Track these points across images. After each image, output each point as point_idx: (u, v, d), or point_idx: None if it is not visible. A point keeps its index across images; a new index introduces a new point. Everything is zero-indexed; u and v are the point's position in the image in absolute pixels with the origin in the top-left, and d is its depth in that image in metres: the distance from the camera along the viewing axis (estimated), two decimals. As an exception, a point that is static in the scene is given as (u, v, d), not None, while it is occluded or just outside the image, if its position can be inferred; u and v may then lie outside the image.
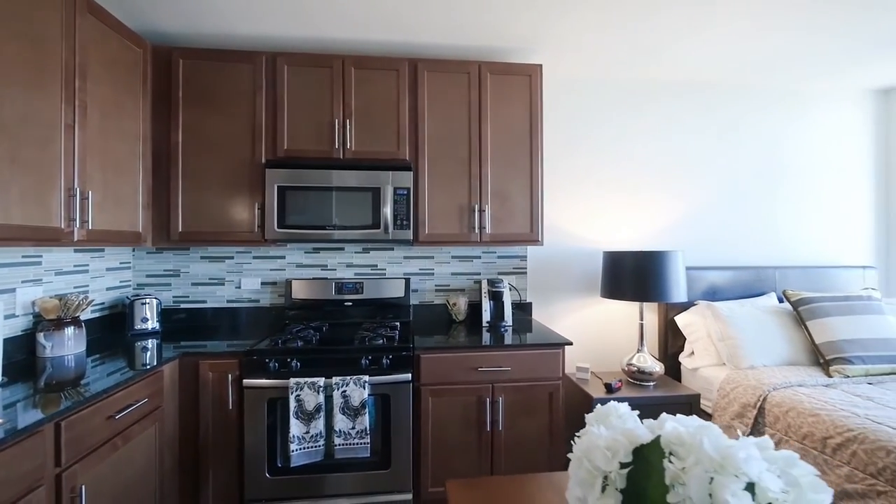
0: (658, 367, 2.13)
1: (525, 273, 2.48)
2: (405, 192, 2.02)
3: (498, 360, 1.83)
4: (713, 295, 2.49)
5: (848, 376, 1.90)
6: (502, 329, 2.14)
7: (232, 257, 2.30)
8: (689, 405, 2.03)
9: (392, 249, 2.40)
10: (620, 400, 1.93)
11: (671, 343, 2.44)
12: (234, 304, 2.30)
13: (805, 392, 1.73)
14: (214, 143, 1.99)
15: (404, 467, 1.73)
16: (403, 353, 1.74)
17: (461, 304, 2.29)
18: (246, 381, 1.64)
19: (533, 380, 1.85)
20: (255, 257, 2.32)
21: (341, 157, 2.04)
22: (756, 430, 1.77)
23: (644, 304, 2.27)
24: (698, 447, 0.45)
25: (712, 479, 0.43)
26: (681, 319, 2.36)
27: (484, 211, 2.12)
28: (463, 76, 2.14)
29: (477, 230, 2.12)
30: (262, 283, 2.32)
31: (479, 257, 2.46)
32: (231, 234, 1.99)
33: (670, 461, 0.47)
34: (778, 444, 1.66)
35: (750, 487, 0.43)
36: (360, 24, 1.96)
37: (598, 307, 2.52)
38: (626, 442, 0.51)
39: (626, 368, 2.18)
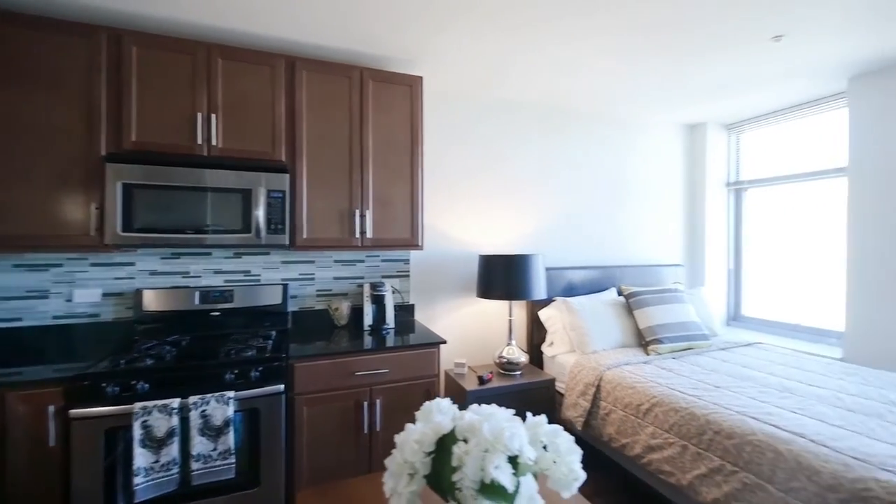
0: (524, 358, 2.40)
1: (408, 276, 2.57)
2: (280, 195, 1.94)
3: (376, 363, 1.88)
4: (570, 291, 2.89)
5: (660, 353, 2.38)
6: (384, 331, 2.19)
7: (60, 265, 1.94)
8: (547, 388, 2.33)
9: (268, 254, 2.28)
10: (491, 389, 2.13)
11: (536, 335, 2.77)
12: (65, 321, 1.94)
13: (629, 369, 2.13)
14: (35, 131, 1.66)
15: (276, 483, 1.66)
16: (275, 363, 1.68)
17: (343, 309, 2.28)
18: (74, 412, 1.41)
19: (410, 379, 1.94)
20: (93, 265, 1.99)
21: (205, 153, 1.87)
22: (595, 403, 2.12)
23: (513, 301, 2.54)
24: (479, 431, 0.56)
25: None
26: (543, 314, 2.69)
27: (365, 216, 2.15)
28: (344, 80, 2.13)
29: (359, 235, 2.14)
30: (105, 295, 2.00)
31: (363, 261, 2.48)
32: (58, 237, 1.68)
33: (459, 446, 0.57)
34: (609, 414, 2.02)
35: (515, 459, 0.55)
36: (230, 13, 1.82)
37: (475, 306, 2.73)
38: (432, 434, 0.60)
39: (498, 360, 2.42)
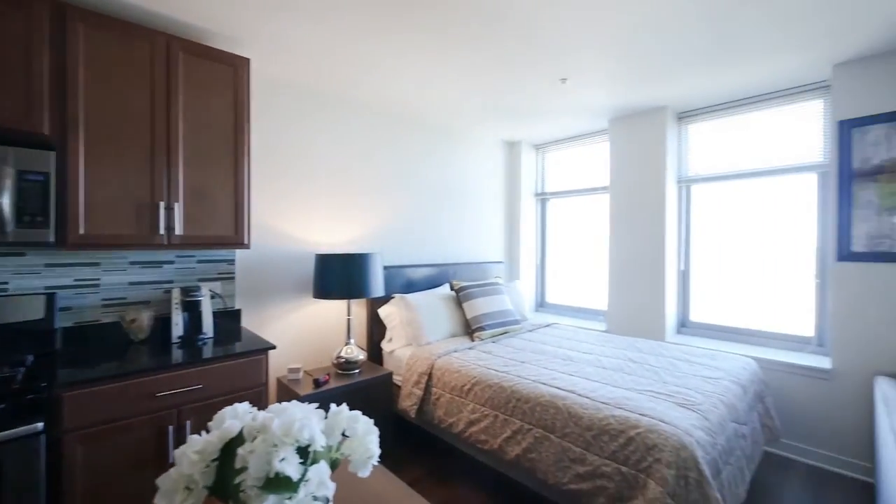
0: (362, 356, 2.43)
1: (233, 278, 2.31)
2: (41, 178, 1.51)
3: (186, 380, 1.63)
4: (409, 288, 3.05)
5: (483, 339, 2.73)
6: (200, 342, 1.92)
7: None
8: (385, 383, 2.41)
9: (23, 255, 1.74)
10: (328, 391, 2.08)
11: (376, 332, 2.83)
12: None
13: (456, 356, 2.38)
14: None
15: (33, 549, 1.29)
16: (29, 396, 1.30)
17: (143, 320, 1.91)
18: None
19: (232, 392, 1.75)
20: None
21: None
22: (427, 390, 2.30)
23: (352, 300, 2.54)
24: (269, 428, 0.56)
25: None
26: (382, 311, 2.77)
27: (173, 209, 1.84)
28: (144, 45, 1.78)
29: (164, 231, 1.82)
30: None
31: (173, 262, 2.12)
32: None
33: (244, 447, 0.56)
34: (439, 398, 2.22)
35: (304, 450, 0.57)
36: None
37: (312, 308, 2.63)
38: (217, 441, 0.57)
39: (336, 361, 2.39)
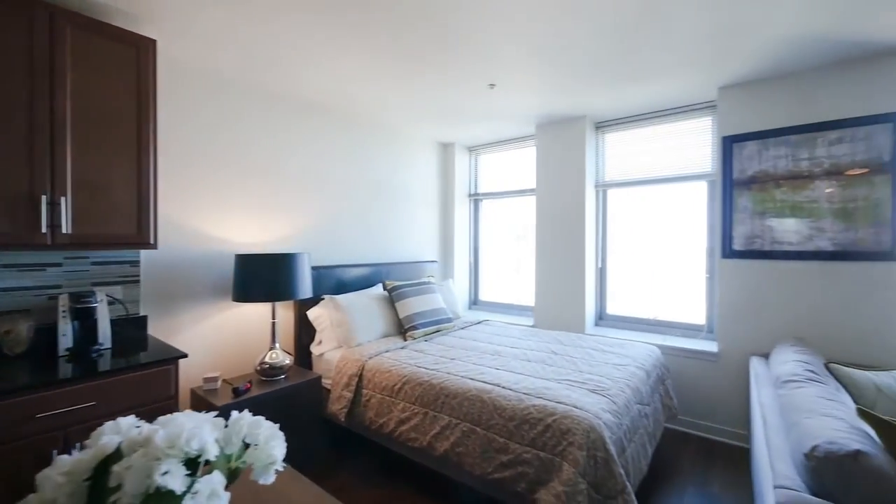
0: (288, 360, 2.33)
1: (138, 281, 2.09)
2: None
3: (74, 397, 1.45)
4: (342, 288, 2.97)
5: (415, 338, 2.74)
6: (94, 354, 1.71)
7: None
8: (313, 387, 2.33)
9: None
10: (249, 399, 1.96)
11: (305, 335, 2.72)
12: None
13: (388, 356, 2.37)
14: None
15: None
16: None
17: (20, 331, 1.66)
18: None
19: (134, 407, 1.58)
20: None
21: None
22: (358, 392, 2.26)
23: (277, 303, 2.42)
24: (151, 441, 0.53)
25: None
26: (311, 313, 2.68)
27: (60, 204, 1.62)
28: (21, 20, 1.55)
29: (47, 229, 1.60)
30: None
31: (61, 265, 1.87)
32: None
33: (121, 463, 0.52)
34: (370, 399, 2.19)
35: (194, 461, 0.54)
36: None
37: (233, 311, 2.47)
38: (90, 459, 0.52)
39: (259, 368, 2.26)
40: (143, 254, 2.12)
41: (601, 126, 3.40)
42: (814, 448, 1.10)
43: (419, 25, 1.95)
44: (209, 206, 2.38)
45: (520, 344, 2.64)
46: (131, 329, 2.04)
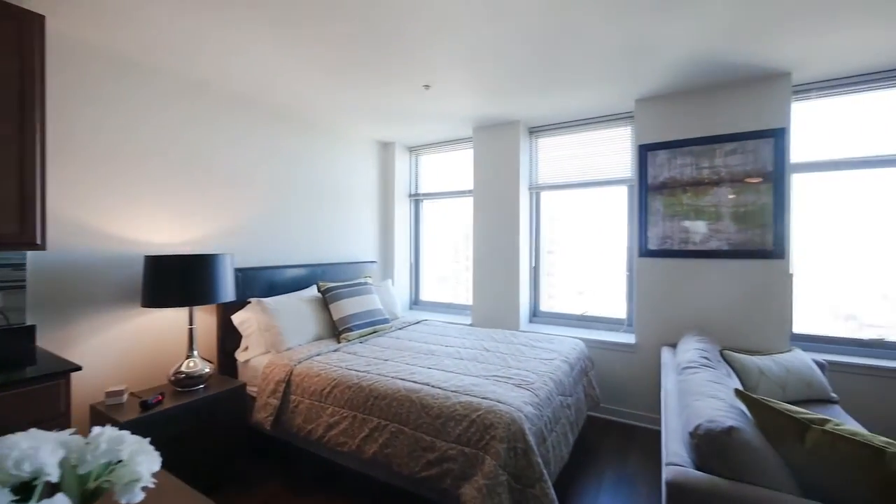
0: (208, 368, 2.18)
1: (23, 287, 1.85)
2: None
3: (-70, 421, 1.25)
4: (273, 291, 2.83)
5: (350, 340, 2.69)
6: (-37, 371, 1.49)
7: None
8: (237, 396, 2.20)
9: None
10: (161, 413, 1.81)
11: (230, 342, 2.57)
12: None
13: (319, 359, 2.30)
14: None
15: None
16: None
17: None
18: None
19: (13, 429, 1.40)
20: None
21: None
22: (285, 399, 2.17)
23: (196, 307, 2.25)
24: None
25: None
26: (237, 318, 2.53)
27: (-87, 198, 1.39)
28: None
29: None
30: None
31: (-82, 269, 1.60)
32: None
33: None
34: (298, 405, 2.11)
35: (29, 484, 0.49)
36: None
37: (144, 318, 2.27)
38: None
39: (174, 378, 2.09)
40: (31, 256, 1.88)
41: (535, 131, 3.54)
42: (697, 427, 1.23)
43: (347, 19, 1.91)
44: (115, 204, 2.16)
45: (454, 342, 2.68)
46: (14, 341, 1.80)
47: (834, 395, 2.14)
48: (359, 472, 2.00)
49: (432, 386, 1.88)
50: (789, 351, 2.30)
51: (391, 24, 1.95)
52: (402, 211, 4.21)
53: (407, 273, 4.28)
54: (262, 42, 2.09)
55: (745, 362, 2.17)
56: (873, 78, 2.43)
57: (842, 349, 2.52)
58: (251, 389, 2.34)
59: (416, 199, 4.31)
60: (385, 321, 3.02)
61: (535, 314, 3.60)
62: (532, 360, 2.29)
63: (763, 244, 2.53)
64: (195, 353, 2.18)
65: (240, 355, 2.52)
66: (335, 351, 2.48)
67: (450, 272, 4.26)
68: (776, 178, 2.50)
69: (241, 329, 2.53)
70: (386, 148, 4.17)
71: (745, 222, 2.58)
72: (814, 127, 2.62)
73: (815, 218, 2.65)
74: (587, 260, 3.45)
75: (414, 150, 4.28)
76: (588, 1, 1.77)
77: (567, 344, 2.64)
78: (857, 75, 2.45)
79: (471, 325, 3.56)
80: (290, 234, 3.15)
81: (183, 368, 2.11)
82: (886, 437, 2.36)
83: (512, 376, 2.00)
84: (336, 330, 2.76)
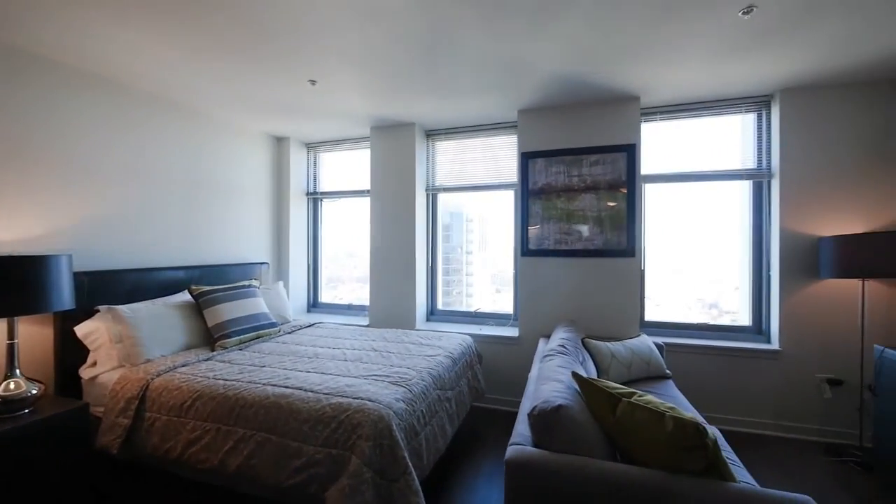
0: (35, 390, 1.86)
1: None
2: None
3: None
4: (133, 297, 2.51)
5: (226, 348, 2.50)
6: None
7: None
8: (76, 418, 1.91)
9: None
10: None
11: (71, 357, 2.22)
12: None
13: (183, 371, 2.09)
14: None
15: None
16: None
17: None
18: None
19: None
20: None
21: None
22: (139, 417, 1.94)
23: (19, 318, 1.91)
24: None
25: None
26: (81, 329, 2.20)
27: None
28: None
29: None
30: None
31: None
32: None
33: None
34: (154, 423, 1.90)
35: None
36: None
37: (-55, 333, 1.86)
38: None
39: (-16, 404, 1.75)
40: None
41: (431, 134, 3.63)
42: (534, 408, 1.36)
43: (225, 7, 1.78)
44: None
45: (344, 344, 2.64)
46: None
47: (668, 371, 2.54)
48: (224, 489, 1.86)
49: (305, 390, 1.83)
50: (637, 336, 2.67)
51: (272, 15, 1.85)
52: (298, 209, 4.03)
53: (305, 275, 4.10)
54: (130, 27, 1.85)
55: (601, 348, 2.46)
56: (705, 106, 2.92)
57: (684, 333, 2.99)
58: (97, 410, 2.05)
59: (315, 197, 4.16)
60: (272, 325, 2.86)
61: (433, 312, 3.69)
62: (416, 357, 2.35)
63: (620, 245, 2.90)
64: (17, 372, 1.85)
65: (85, 372, 2.19)
66: (206, 360, 2.28)
67: (351, 273, 4.18)
68: (629, 187, 2.88)
69: (86, 342, 2.20)
70: (280, 143, 3.95)
71: (606, 225, 2.93)
72: (661, 144, 3.07)
73: (675, 222, 3.11)
74: (483, 259, 3.63)
75: (312, 146, 4.12)
76: (462, 15, 1.87)
77: (455, 340, 2.75)
78: (691, 103, 2.93)
79: (367, 325, 3.53)
80: (161, 233, 2.82)
81: (0, 392, 1.77)
82: (705, 400, 2.80)
83: (391, 374, 2.03)
84: (211, 337, 2.54)
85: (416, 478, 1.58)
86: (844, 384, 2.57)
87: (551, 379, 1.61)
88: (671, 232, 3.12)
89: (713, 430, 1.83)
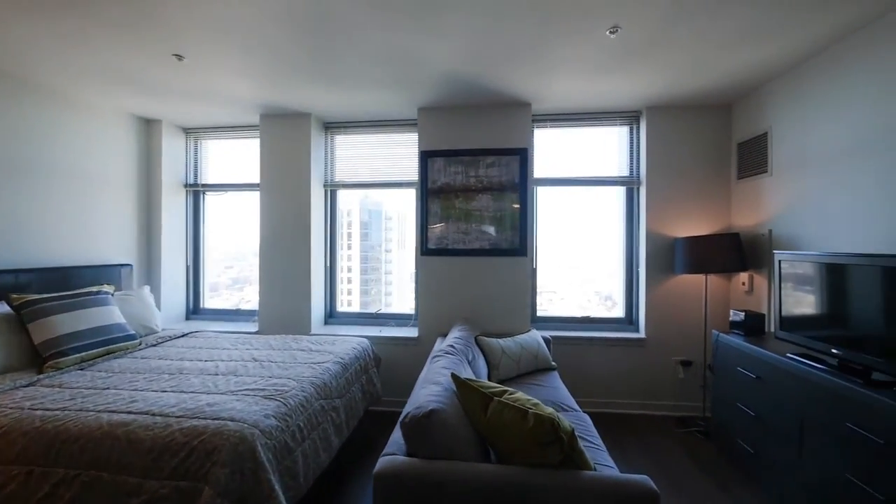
0: None
1: None
2: None
3: None
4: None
5: (61, 368, 2.06)
6: None
7: None
8: None
9: None
10: None
11: None
12: None
13: (-12, 402, 1.67)
14: None
15: None
16: None
17: None
18: None
19: None
20: None
21: None
22: (-88, 469, 1.49)
23: None
24: None
25: None
26: None
27: None
28: None
29: None
30: None
31: None
32: None
33: None
34: (-64, 474, 1.48)
35: None
36: None
37: None
38: None
39: None
40: None
41: (330, 126, 3.43)
42: (405, 415, 1.32)
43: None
44: None
45: (220, 356, 2.35)
46: None
47: (553, 363, 2.70)
48: (45, 543, 1.52)
49: (153, 414, 1.56)
50: (528, 332, 2.80)
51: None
52: (174, 203, 3.53)
53: (182, 278, 3.61)
54: None
55: (492, 345, 2.53)
56: (588, 116, 3.16)
57: (571, 326, 3.21)
58: None
59: (196, 190, 3.68)
60: (129, 338, 2.44)
61: (332, 315, 3.51)
62: (301, 365, 2.18)
63: (513, 244, 3.02)
64: None
65: None
66: (27, 385, 1.85)
67: (242, 275, 3.79)
68: (521, 189, 3.02)
69: None
70: (150, 126, 3.42)
71: (501, 225, 3.03)
72: (552, 150, 3.26)
73: (569, 222, 3.31)
74: (385, 259, 3.54)
75: (193, 132, 3.64)
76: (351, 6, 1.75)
77: (348, 344, 2.62)
78: (576, 113, 3.15)
79: (256, 332, 3.22)
80: (-33, 229, 2.24)
81: None
82: (586, 387, 3.00)
83: (267, 388, 1.84)
84: (40, 357, 2.08)
85: (284, 500, 1.44)
86: (693, 364, 2.98)
87: (431, 382, 1.58)
88: (567, 231, 3.34)
89: (584, 418, 1.97)
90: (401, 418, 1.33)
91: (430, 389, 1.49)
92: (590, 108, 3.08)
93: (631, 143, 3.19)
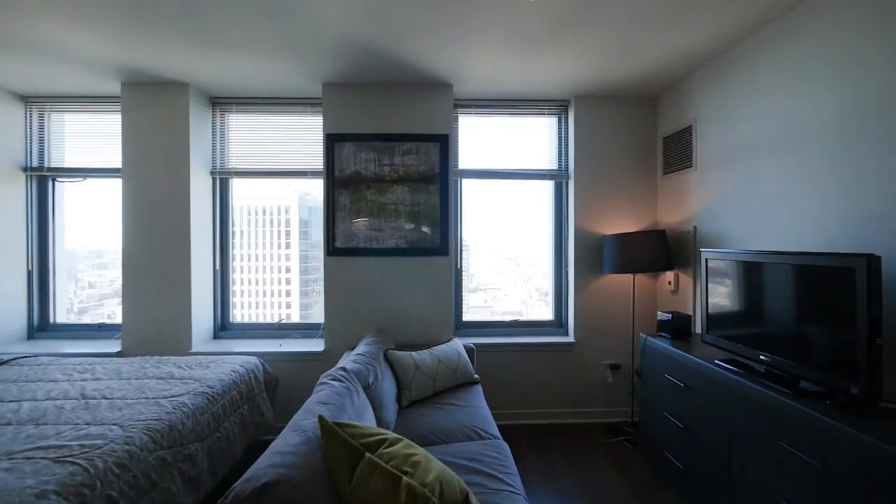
0: None
1: None
2: None
3: None
4: None
5: None
6: None
7: None
8: None
9: None
10: None
11: None
12: None
13: None
14: None
15: None
16: None
17: None
18: None
19: None
20: None
21: None
22: None
23: None
24: None
25: None
26: None
27: None
28: None
29: None
30: None
31: None
32: None
33: None
34: None
35: None
36: None
37: None
38: None
39: None
40: None
41: (219, 102, 2.86)
42: (228, 493, 0.91)
43: None
44: None
45: (35, 393, 1.76)
46: None
47: (476, 376, 2.40)
48: None
49: None
50: (449, 341, 2.48)
51: None
52: (8, 192, 2.76)
53: (23, 286, 2.85)
54: None
55: (404, 360, 2.17)
56: (514, 104, 2.89)
57: (499, 332, 2.94)
58: None
59: (41, 175, 2.92)
60: None
61: (225, 327, 2.94)
62: (144, 402, 1.66)
63: (433, 242, 2.68)
64: None
65: None
66: None
67: (108, 282, 3.09)
68: (443, 181, 2.68)
69: None
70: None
71: (420, 220, 2.68)
72: (478, 139, 2.96)
73: (500, 217, 3.02)
74: (288, 260, 3.04)
75: (34, 101, 2.87)
76: None
77: (227, 367, 2.12)
78: (502, 99, 2.87)
79: (118, 353, 2.59)
80: None
81: None
82: (512, 398, 2.72)
83: (70, 443, 1.33)
84: None
85: None
86: (621, 368, 2.85)
87: (294, 428, 1.18)
88: (501, 228, 3.07)
89: (502, 448, 1.68)
90: (223, 498, 0.92)
91: (284, 441, 1.09)
92: (517, 94, 2.82)
93: (560, 135, 2.99)
